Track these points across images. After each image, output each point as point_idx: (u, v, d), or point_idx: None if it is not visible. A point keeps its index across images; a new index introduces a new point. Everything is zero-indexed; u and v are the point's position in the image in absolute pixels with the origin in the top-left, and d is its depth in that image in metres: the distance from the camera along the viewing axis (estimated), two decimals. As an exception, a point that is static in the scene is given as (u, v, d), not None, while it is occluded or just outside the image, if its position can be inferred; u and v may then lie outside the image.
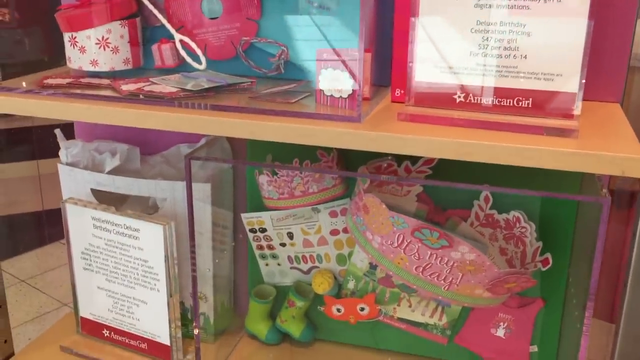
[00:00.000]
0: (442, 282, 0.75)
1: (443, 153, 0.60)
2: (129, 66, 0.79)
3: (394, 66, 0.71)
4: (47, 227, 2.35)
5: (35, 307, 2.03)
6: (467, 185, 0.64)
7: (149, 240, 0.82)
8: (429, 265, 0.74)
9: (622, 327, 0.71)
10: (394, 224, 0.72)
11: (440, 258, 0.72)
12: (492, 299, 0.76)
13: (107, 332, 0.90)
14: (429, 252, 0.72)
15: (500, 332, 0.84)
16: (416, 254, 0.73)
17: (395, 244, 0.74)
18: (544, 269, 0.74)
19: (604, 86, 0.73)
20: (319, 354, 0.90)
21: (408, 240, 0.73)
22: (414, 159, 0.78)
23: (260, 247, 0.90)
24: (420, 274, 0.75)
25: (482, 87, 0.65)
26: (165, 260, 0.81)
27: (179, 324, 0.85)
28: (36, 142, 2.18)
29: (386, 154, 0.76)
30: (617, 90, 0.73)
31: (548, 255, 0.73)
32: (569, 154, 0.56)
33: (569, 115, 0.62)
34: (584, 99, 0.63)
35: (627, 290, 0.69)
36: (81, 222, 0.86)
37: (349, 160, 0.83)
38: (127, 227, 0.82)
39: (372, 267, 0.86)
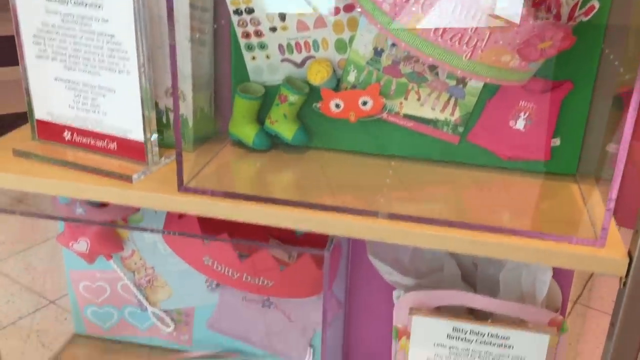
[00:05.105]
0: (465, 47, 0.64)
1: None
2: None
3: None
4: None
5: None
6: None
7: (115, 8, 0.68)
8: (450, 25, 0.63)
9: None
10: (412, -32, 0.61)
11: (466, 10, 0.62)
12: (518, 72, 0.67)
13: (69, 134, 0.77)
14: (454, 2, 0.61)
15: (520, 124, 0.75)
16: (437, 8, 0.62)
17: (412, -1, 0.62)
18: (585, 19, 0.63)
19: None
20: (314, 161, 0.80)
21: (429, -11, 0.61)
22: None
23: (247, 35, 0.77)
24: (440, 38, 0.64)
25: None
26: (136, 32, 0.68)
27: (154, 109, 0.73)
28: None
29: None
30: None
31: (593, 2, 0.63)
32: None
33: None
34: None
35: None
36: (31, -5, 0.72)
37: None
38: (87, -6, 0.69)
39: (377, 53, 0.75)
